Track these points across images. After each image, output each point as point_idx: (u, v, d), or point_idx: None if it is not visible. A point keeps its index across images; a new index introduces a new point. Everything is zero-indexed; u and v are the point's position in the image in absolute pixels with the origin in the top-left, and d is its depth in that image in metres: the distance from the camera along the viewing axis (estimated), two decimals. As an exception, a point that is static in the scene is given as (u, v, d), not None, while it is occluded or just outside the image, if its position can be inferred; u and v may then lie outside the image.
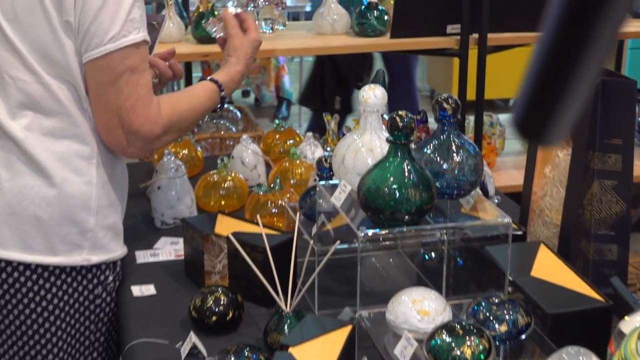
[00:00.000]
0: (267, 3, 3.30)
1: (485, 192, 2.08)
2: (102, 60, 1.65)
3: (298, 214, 1.80)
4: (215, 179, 2.29)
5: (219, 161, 2.31)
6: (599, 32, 0.73)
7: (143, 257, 2.04)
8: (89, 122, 1.74)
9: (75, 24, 1.64)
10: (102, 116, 1.70)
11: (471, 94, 3.27)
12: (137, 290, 1.88)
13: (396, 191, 1.55)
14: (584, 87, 0.75)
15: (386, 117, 1.65)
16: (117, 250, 1.85)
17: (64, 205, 1.74)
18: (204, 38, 3.02)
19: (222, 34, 1.99)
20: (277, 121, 2.73)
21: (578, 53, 0.73)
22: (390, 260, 1.89)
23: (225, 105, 3.61)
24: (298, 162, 2.36)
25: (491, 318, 1.49)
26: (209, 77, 1.90)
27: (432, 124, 1.96)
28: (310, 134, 2.58)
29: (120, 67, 1.65)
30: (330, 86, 5.01)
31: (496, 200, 2.13)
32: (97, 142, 1.76)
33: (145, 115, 1.69)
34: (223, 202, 2.29)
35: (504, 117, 3.73)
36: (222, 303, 1.69)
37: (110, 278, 1.85)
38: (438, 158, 1.66)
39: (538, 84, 0.76)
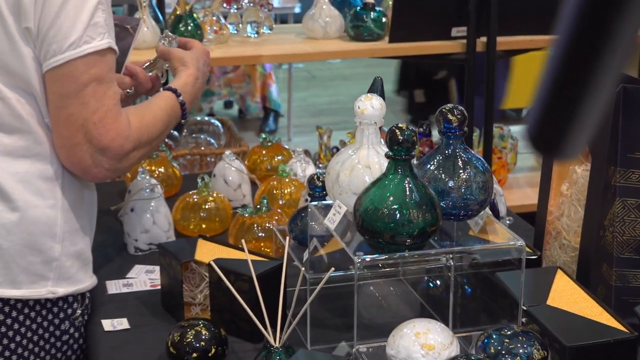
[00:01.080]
0: (251, 4, 3.32)
1: (495, 213, 2.08)
2: (63, 69, 1.65)
3: (287, 239, 1.80)
4: (195, 199, 2.29)
5: (199, 180, 2.31)
6: (618, 34, 0.73)
7: (115, 287, 2.04)
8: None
9: (35, 29, 1.65)
10: (63, 131, 1.68)
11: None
12: (109, 325, 1.88)
13: (396, 212, 1.56)
14: (603, 94, 0.76)
15: (385, 129, 1.66)
16: (85, 280, 1.84)
17: (25, 232, 1.73)
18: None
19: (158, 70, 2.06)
20: (263, 135, 2.74)
21: (596, 57, 0.74)
22: (391, 288, 1.89)
23: (206, 118, 3.60)
24: (287, 180, 2.37)
25: (503, 352, 1.50)
26: (162, 88, 1.93)
27: (436, 137, 1.96)
28: (300, 149, 2.59)
29: (84, 76, 1.65)
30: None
31: (508, 222, 2.14)
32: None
33: (116, 129, 1.69)
34: (204, 226, 2.29)
35: (516, 129, 3.75)
36: (203, 338, 1.69)
37: (79, 312, 1.85)
38: (443, 175, 1.66)
39: (553, 93, 0.77)
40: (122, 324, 1.89)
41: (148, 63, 2.05)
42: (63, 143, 1.70)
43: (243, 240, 1.81)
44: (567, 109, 0.77)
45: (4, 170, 1.71)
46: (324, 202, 1.81)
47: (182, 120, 1.91)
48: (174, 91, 1.88)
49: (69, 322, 1.83)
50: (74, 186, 1.79)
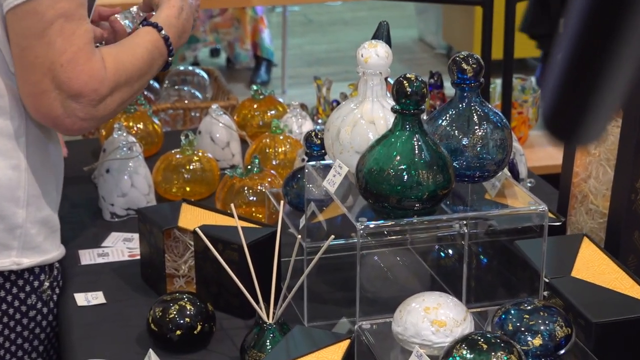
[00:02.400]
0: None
1: (515, 174, 2.09)
2: (25, 6, 1.63)
3: (282, 203, 1.81)
4: (178, 159, 2.30)
5: (182, 137, 2.31)
6: (637, 10, 0.74)
7: (89, 257, 2.05)
8: (17, 91, 1.73)
9: None
10: (28, 77, 1.67)
11: (497, 52, 3.28)
12: (82, 299, 1.89)
13: (404, 173, 1.57)
14: (624, 74, 0.76)
15: (391, 80, 1.67)
16: (52, 250, 1.86)
17: None
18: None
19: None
20: (254, 87, 2.74)
21: (614, 36, 0.75)
22: (397, 259, 1.91)
23: (190, 67, 3.60)
24: (281, 137, 2.37)
25: (523, 329, 1.51)
26: (140, 24, 1.88)
27: (449, 89, 1.97)
28: (296, 103, 2.59)
29: (49, 12, 1.63)
30: (556, 5, 5.01)
31: (529, 184, 2.15)
32: (27, 116, 1.76)
33: (89, 71, 1.66)
34: (188, 189, 2.30)
35: (538, 81, 3.74)
36: (188, 314, 1.71)
37: (46, 284, 1.86)
38: (456, 132, 1.67)
39: (568, 74, 0.78)
40: (97, 298, 1.90)
41: (125, 12, 1.97)
42: (30, 91, 1.68)
43: (232, 205, 1.82)
44: (584, 91, 0.77)
45: None
46: (322, 162, 1.82)
47: (169, 59, 1.86)
48: (154, 25, 1.83)
49: (35, 295, 1.85)
50: (39, 144, 1.79)
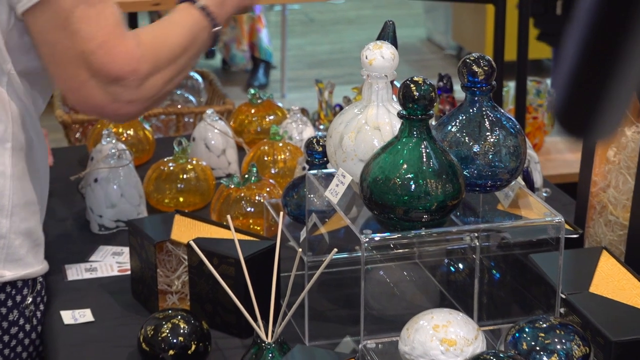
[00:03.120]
0: None
1: (529, 183, 2.10)
2: (41, 2, 1.66)
3: (282, 214, 1.81)
4: (171, 168, 2.31)
5: (175, 144, 2.32)
6: None
7: (76, 272, 2.05)
8: (3, 88, 1.75)
9: None
10: (64, 73, 1.71)
11: (511, 53, 3.29)
12: (69, 317, 1.90)
13: (411, 182, 1.57)
14: (638, 67, 0.77)
15: (398, 84, 1.67)
16: (35, 264, 1.86)
17: None
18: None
19: None
20: (252, 90, 2.74)
21: (626, 31, 0.75)
22: (405, 273, 1.91)
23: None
24: (281, 144, 2.38)
25: (538, 348, 1.51)
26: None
27: (459, 92, 1.97)
28: (296, 107, 2.60)
29: (67, 1, 1.66)
30: None
31: (544, 194, 2.15)
32: (13, 119, 1.77)
33: (123, 53, 1.69)
34: (181, 199, 2.30)
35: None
36: (181, 332, 1.71)
37: (29, 299, 1.87)
38: (467, 138, 1.67)
39: (581, 69, 0.79)
40: (84, 316, 1.90)
41: None
42: (69, 86, 1.72)
43: (228, 217, 1.82)
44: (596, 86, 0.78)
45: None
46: (324, 170, 1.83)
47: (215, 30, 1.84)
48: (201, 8, 1.83)
49: (18, 311, 1.85)
50: (25, 150, 1.81)
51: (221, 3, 1.86)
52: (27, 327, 1.87)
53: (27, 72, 1.78)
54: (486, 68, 1.67)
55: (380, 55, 1.68)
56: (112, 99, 1.71)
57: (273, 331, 1.63)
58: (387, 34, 1.77)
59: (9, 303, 1.83)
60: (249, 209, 2.14)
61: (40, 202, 1.87)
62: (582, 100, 0.80)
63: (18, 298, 1.84)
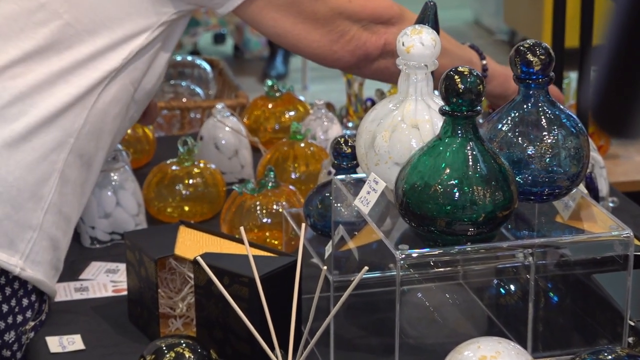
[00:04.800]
0: None
1: (593, 192, 2.10)
2: None
3: (303, 226, 1.81)
4: (175, 171, 2.31)
5: (179, 144, 2.33)
6: None
7: (64, 292, 2.06)
8: (100, 88, 1.94)
9: None
10: (318, 36, 2.08)
11: (572, 38, 3.28)
12: (56, 344, 1.90)
13: (455, 189, 1.57)
14: None
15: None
16: (51, 283, 1.94)
17: (13, 169, 1.86)
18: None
19: None
20: (269, 82, 2.75)
21: None
22: (447, 296, 1.91)
23: (189, 57, 3.60)
24: (302, 145, 2.38)
25: (602, 385, 1.51)
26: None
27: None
28: (320, 101, 2.60)
29: None
30: None
31: (610, 204, 2.15)
32: (88, 120, 1.94)
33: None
34: (187, 208, 2.31)
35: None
36: (186, 363, 1.71)
37: (31, 323, 1.91)
38: (520, 139, 1.67)
39: (616, 64, 0.80)
40: (74, 343, 1.91)
41: None
42: (331, 40, 2.09)
43: (242, 228, 1.83)
44: (630, 84, 0.80)
45: None
46: (353, 175, 1.83)
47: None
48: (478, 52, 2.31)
49: (14, 333, 1.89)
50: (84, 161, 1.95)
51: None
52: (18, 355, 1.90)
53: (132, 82, 1.98)
54: (543, 57, 1.67)
55: (420, 42, 1.68)
56: (377, 35, 2.10)
57: (293, 362, 1.64)
58: (428, 17, 1.77)
59: (9, 320, 1.88)
60: (265, 220, 2.14)
61: (69, 228, 1.97)
62: (617, 97, 0.82)
63: (19, 318, 1.89)
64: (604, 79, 0.82)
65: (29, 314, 1.90)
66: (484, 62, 2.29)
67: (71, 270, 2.13)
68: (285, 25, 2.06)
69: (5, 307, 1.86)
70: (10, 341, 1.88)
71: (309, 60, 2.24)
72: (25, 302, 1.89)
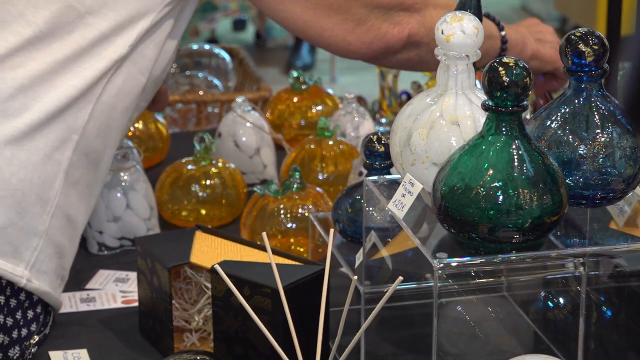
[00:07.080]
0: None
1: (651, 195, 2.10)
2: None
3: (332, 232, 1.82)
4: (191, 171, 2.32)
5: (196, 142, 2.33)
6: None
7: (69, 303, 2.07)
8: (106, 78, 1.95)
9: None
10: (333, 21, 2.06)
11: (629, 27, 3.27)
12: (60, 359, 1.92)
13: (499, 192, 1.58)
14: None
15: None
16: (56, 295, 1.95)
17: (17, 169, 1.86)
18: None
19: None
20: (294, 73, 2.75)
21: None
22: (489, 309, 1.91)
23: (207, 46, 3.62)
24: (331, 143, 2.39)
25: (660, 408, 1.52)
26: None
27: (561, 78, 1.97)
28: (351, 95, 2.60)
29: None
30: None
31: (670, 209, 2.15)
32: (93, 114, 1.94)
33: None
34: (204, 212, 2.32)
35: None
36: (203, 381, 1.72)
37: (36, 337, 1.92)
38: (570, 137, 1.67)
39: None
40: (79, 358, 1.92)
41: None
42: (345, 29, 2.07)
43: (264, 234, 1.84)
44: None
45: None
46: (387, 176, 1.83)
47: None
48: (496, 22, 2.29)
49: (19, 348, 1.90)
50: (90, 160, 1.96)
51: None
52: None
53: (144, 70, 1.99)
54: (596, 47, 1.67)
55: (461, 30, 1.68)
56: (395, 23, 2.09)
57: (320, 381, 1.65)
58: (470, 3, 1.78)
59: (14, 334, 1.89)
60: (289, 225, 2.15)
61: (76, 235, 1.98)
62: None
63: (24, 332, 1.90)
64: (636, 74, 0.82)
65: (33, 327, 1.91)
66: (503, 33, 2.29)
67: (77, 279, 2.14)
68: (295, 10, 2.05)
69: (10, 321, 1.87)
70: (14, 357, 1.89)
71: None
72: (30, 314, 1.90)
